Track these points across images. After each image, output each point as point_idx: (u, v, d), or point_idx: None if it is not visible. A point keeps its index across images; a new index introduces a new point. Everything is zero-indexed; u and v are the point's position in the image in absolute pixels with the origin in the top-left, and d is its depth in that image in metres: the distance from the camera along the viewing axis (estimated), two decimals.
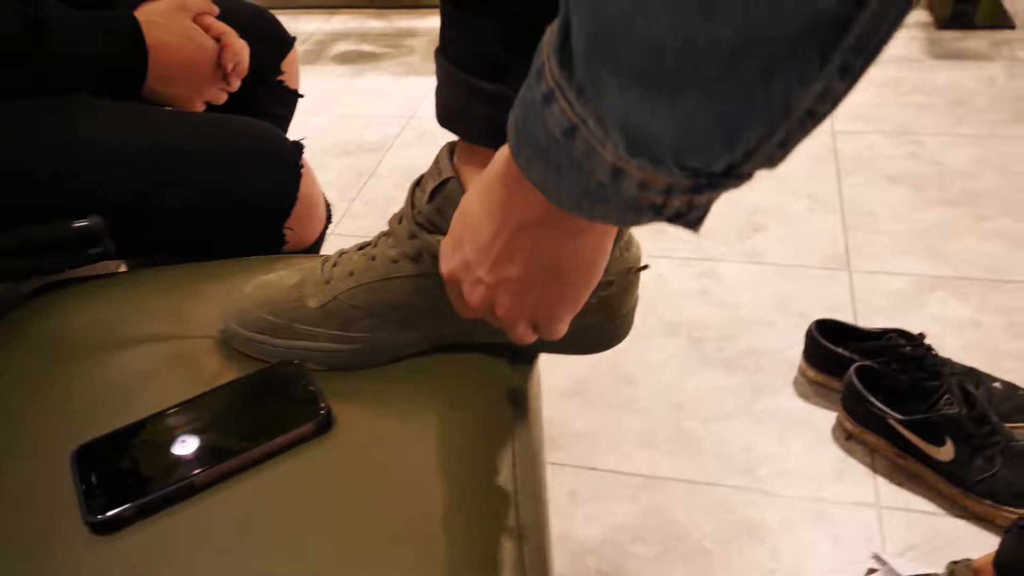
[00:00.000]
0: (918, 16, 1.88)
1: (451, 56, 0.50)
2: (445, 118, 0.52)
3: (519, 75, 0.40)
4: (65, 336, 0.67)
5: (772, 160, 0.28)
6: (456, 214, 0.47)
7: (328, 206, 0.84)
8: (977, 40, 1.75)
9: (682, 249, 1.34)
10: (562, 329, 0.48)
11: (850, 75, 0.24)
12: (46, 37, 0.72)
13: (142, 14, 0.76)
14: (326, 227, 0.82)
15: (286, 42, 0.95)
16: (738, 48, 0.23)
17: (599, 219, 0.36)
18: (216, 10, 0.83)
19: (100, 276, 0.75)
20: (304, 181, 0.76)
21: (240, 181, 0.75)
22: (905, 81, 1.67)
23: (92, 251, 0.70)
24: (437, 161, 0.51)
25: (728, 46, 0.23)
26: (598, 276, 0.46)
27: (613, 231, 0.45)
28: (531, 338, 0.49)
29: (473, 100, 0.48)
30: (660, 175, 0.29)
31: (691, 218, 0.32)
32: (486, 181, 0.43)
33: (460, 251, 0.46)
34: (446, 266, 0.47)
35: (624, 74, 0.27)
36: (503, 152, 0.40)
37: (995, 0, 1.82)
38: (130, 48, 0.76)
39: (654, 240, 1.35)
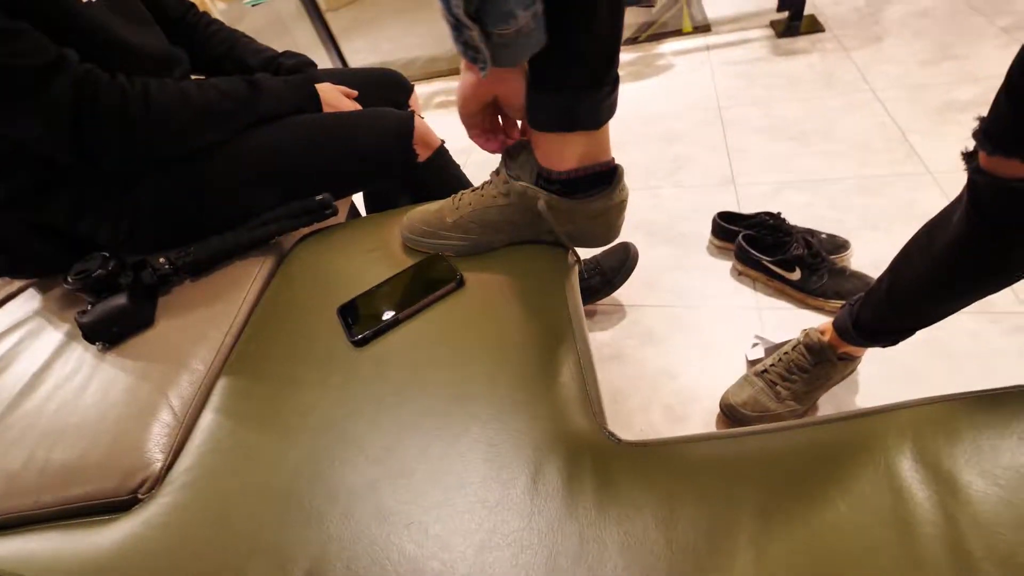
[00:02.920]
0: (766, 31, 2.03)
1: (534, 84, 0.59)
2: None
3: (573, 87, 0.51)
4: (322, 255, 0.81)
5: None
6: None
7: (442, 141, 1.03)
8: (802, 42, 1.92)
9: (639, 184, 1.56)
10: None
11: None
12: (261, 93, 0.90)
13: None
14: (440, 150, 1.02)
15: (408, 88, 1.18)
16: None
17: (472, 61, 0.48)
18: (354, 93, 1.03)
19: (331, 226, 0.91)
20: (417, 122, 0.97)
21: (387, 124, 0.96)
22: (760, 71, 1.86)
23: (327, 212, 0.86)
24: (518, 142, 0.61)
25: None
26: None
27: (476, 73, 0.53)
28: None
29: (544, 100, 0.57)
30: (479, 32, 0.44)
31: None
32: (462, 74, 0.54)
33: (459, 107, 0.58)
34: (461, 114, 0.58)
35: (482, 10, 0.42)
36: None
37: (812, 16, 2.01)
38: (311, 95, 0.97)
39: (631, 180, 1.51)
